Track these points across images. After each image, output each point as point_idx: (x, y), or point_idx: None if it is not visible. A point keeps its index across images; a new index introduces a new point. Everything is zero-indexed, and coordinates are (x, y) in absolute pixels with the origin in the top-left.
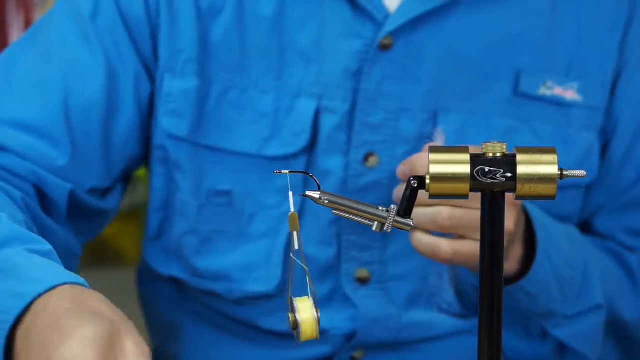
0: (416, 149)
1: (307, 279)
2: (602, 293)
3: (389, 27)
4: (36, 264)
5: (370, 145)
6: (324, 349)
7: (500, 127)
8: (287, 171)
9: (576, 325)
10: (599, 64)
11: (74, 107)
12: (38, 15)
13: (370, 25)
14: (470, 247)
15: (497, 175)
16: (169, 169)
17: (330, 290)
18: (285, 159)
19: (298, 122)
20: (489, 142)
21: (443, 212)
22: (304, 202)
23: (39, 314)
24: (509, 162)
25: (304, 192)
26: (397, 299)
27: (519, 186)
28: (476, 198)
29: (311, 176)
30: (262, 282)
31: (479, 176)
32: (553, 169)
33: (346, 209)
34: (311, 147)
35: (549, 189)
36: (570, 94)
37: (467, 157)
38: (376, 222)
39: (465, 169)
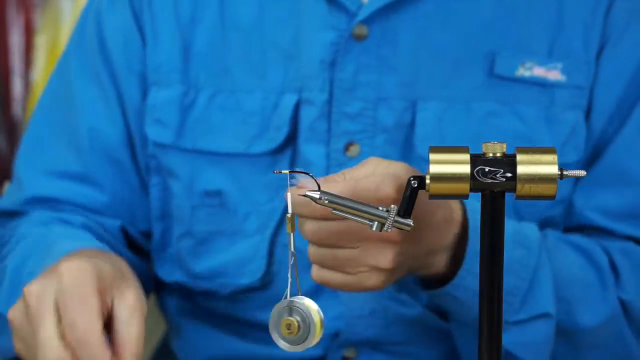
0: (396, 137)
1: (296, 281)
2: (553, 302)
3: (361, 15)
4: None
5: (350, 134)
6: (315, 351)
7: (481, 111)
8: (287, 171)
9: (520, 332)
10: (582, 42)
11: (101, 147)
12: (38, 16)
13: (344, 17)
14: (330, 278)
15: (497, 175)
16: (163, 177)
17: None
18: (271, 154)
19: (280, 117)
20: (489, 142)
21: (310, 250)
22: None
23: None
24: (509, 162)
25: (290, 187)
26: (383, 292)
27: (519, 186)
28: (349, 235)
29: (311, 176)
30: (250, 275)
31: (479, 176)
32: (553, 169)
33: (346, 209)
34: (294, 138)
35: (549, 189)
36: (553, 75)
37: (467, 157)
38: (376, 222)
39: (465, 169)
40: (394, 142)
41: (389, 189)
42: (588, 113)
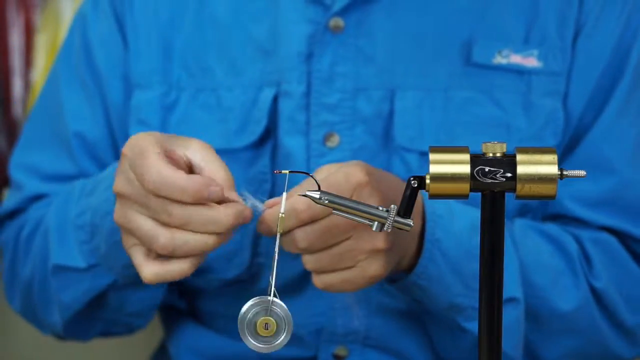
0: (375, 127)
1: (270, 278)
2: (520, 286)
3: (336, 7)
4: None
5: (329, 125)
6: (305, 351)
7: (459, 99)
8: (287, 171)
9: None
10: (558, 29)
11: (88, 150)
12: (38, 16)
13: (320, 10)
14: (334, 279)
15: (497, 175)
16: None
17: (301, 273)
18: (252, 148)
19: (258, 110)
20: (489, 142)
21: (305, 259)
22: (273, 187)
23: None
24: (509, 162)
25: (272, 180)
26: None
27: (518, 186)
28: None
29: (311, 176)
30: (234, 268)
31: (479, 176)
32: (553, 169)
33: (346, 208)
34: (274, 131)
35: (549, 188)
36: (530, 61)
37: (467, 157)
38: (376, 222)
39: (465, 169)
40: (373, 132)
41: (359, 174)
42: (565, 99)
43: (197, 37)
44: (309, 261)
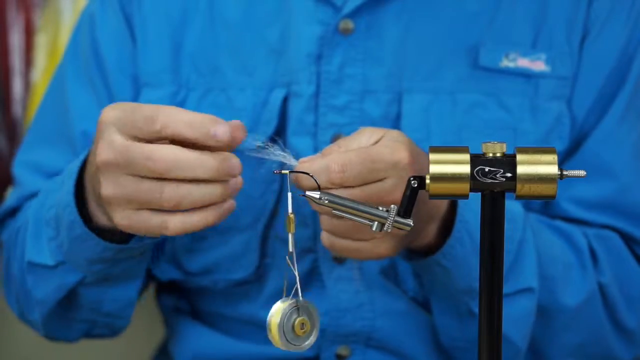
0: None
1: (297, 284)
2: (536, 277)
3: (347, 9)
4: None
5: (337, 127)
6: (308, 350)
7: (466, 103)
8: (286, 171)
9: (504, 306)
10: (566, 33)
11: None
12: (38, 16)
13: (330, 11)
14: (342, 245)
15: (497, 175)
16: None
17: (307, 271)
18: (262, 148)
19: (269, 111)
20: (489, 142)
21: (322, 218)
22: (281, 188)
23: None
24: (509, 162)
25: (281, 181)
26: (372, 281)
27: (518, 186)
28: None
29: (311, 176)
30: (242, 269)
31: (479, 176)
32: (553, 169)
33: (346, 208)
34: (283, 131)
35: (549, 188)
36: (538, 65)
37: (467, 157)
38: (376, 222)
39: (465, 169)
40: None
41: (404, 153)
42: (569, 102)
43: (208, 38)
44: (327, 222)
